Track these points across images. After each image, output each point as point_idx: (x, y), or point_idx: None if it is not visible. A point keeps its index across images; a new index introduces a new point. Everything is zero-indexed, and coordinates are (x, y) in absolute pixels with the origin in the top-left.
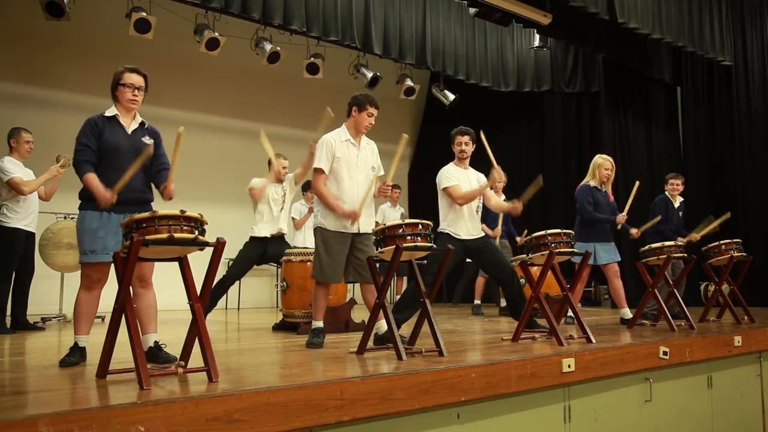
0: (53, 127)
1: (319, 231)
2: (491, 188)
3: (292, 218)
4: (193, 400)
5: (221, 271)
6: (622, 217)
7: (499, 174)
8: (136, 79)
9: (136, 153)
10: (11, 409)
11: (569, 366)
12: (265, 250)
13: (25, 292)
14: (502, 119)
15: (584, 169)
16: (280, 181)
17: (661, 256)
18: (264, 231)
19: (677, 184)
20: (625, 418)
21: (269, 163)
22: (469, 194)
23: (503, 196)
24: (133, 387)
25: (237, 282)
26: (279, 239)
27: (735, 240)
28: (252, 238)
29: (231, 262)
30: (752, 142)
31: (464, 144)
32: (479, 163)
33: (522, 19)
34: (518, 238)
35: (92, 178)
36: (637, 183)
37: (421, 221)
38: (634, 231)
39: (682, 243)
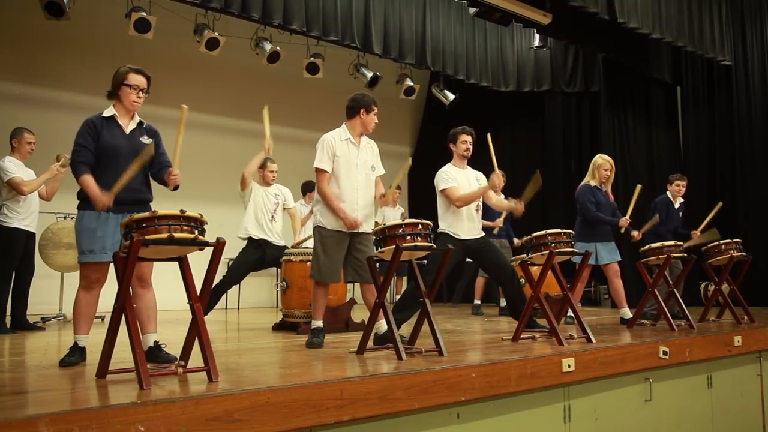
0: (53, 127)
1: (317, 231)
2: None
3: None
4: (193, 400)
5: (221, 271)
6: (625, 221)
7: (498, 179)
8: (140, 81)
9: (134, 153)
10: (11, 409)
11: (569, 366)
12: (263, 254)
13: (25, 291)
14: (502, 119)
15: (584, 169)
16: (267, 184)
17: (661, 256)
18: (252, 231)
19: (682, 185)
20: (625, 418)
21: (262, 167)
22: (468, 196)
23: (502, 196)
24: (133, 387)
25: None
26: (277, 244)
27: (735, 240)
28: (249, 242)
29: (230, 263)
30: (752, 142)
31: (469, 143)
32: (478, 163)
33: (522, 19)
34: (516, 240)
35: (88, 180)
36: (639, 186)
37: (421, 221)
38: (635, 233)
39: (682, 244)
